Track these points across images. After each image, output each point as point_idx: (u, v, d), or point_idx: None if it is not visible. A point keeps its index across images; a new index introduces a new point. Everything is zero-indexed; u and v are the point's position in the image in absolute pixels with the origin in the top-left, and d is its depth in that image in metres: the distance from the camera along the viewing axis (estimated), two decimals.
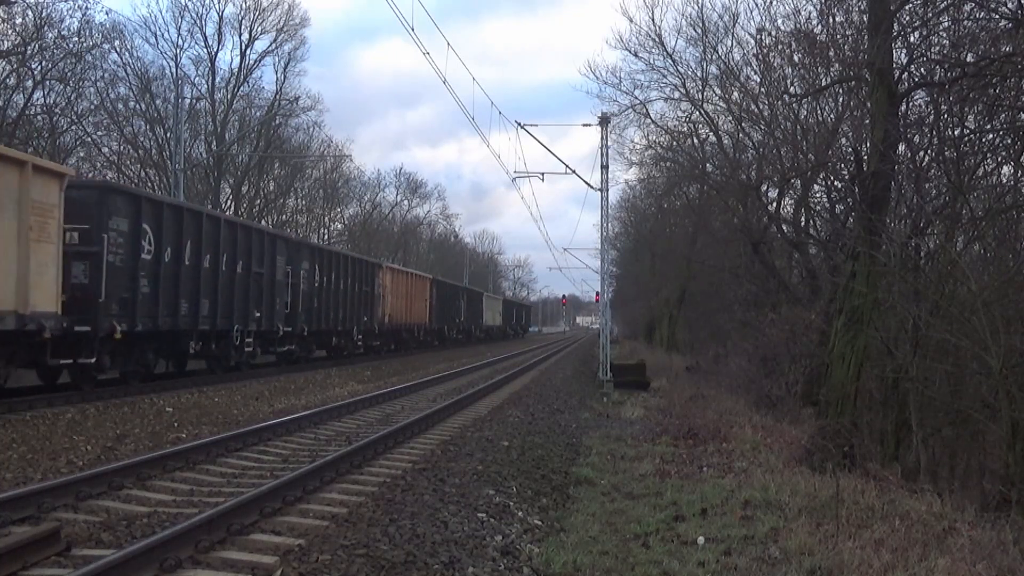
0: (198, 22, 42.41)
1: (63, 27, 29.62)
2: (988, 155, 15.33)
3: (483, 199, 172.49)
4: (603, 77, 45.01)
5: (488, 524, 7.14)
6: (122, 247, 14.52)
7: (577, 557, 6.68)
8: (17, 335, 11.88)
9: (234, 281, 18.86)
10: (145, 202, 15.49)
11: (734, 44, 25.28)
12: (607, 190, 26.42)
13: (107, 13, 65.88)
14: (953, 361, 15.04)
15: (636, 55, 27.16)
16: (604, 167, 26.11)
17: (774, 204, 26.21)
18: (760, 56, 20.87)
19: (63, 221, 12.76)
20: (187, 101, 37.28)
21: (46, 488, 7.00)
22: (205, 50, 42.85)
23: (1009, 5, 12.28)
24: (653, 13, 52.88)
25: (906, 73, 14.82)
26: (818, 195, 23.63)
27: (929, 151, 15.86)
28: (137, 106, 39.02)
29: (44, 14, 28.94)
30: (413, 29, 16.13)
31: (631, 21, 44.34)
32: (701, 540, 7.32)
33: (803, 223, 24.84)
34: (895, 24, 14.07)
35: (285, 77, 45.97)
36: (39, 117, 31.52)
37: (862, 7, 15.64)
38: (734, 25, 25.19)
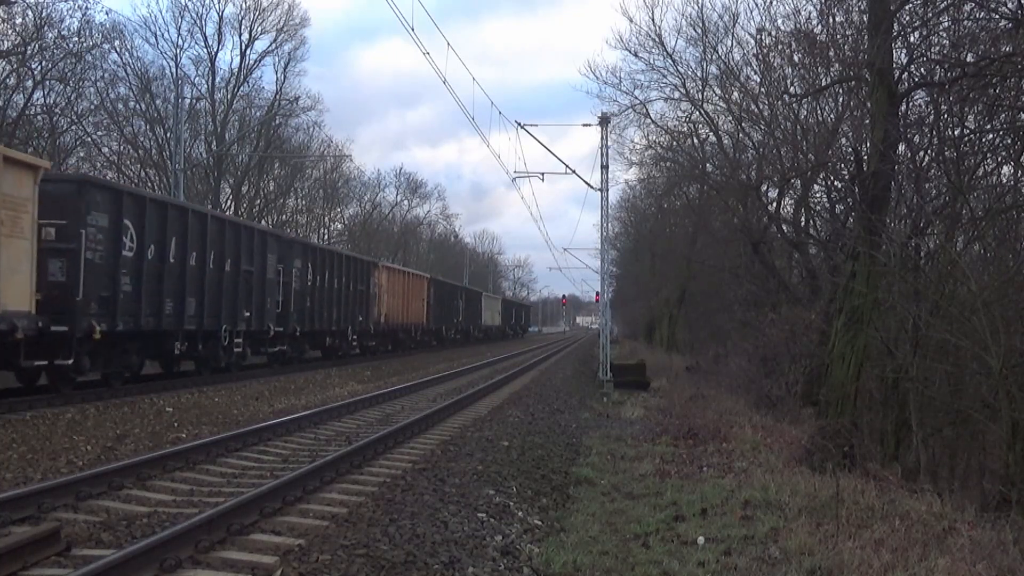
0: (198, 22, 42.49)
1: (63, 27, 29.66)
2: (988, 155, 15.34)
3: (483, 199, 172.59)
4: (603, 77, 45.06)
5: (488, 524, 7.14)
6: (102, 243, 13.94)
7: (577, 557, 6.68)
8: None
9: (222, 280, 18.31)
10: (126, 197, 14.96)
11: (734, 44, 25.33)
12: (607, 190, 26.43)
13: (107, 13, 65.94)
14: (953, 361, 15.04)
15: (636, 55, 27.20)
16: (604, 167, 26.13)
17: (774, 204, 26.24)
18: (760, 56, 20.88)
19: (38, 216, 12.23)
20: (187, 101, 37.33)
21: (46, 488, 7.00)
22: (205, 50, 42.93)
23: (1009, 5, 12.29)
24: (653, 13, 52.89)
25: (906, 73, 14.83)
26: (818, 195, 23.67)
27: (929, 151, 15.87)
28: (137, 106, 39.08)
29: (44, 14, 28.98)
30: (413, 29, 16.14)
31: (631, 21, 44.41)
32: (701, 540, 7.32)
33: (803, 223, 24.85)
34: (895, 24, 14.08)
35: (285, 77, 46.06)
36: (39, 117, 31.53)
37: (862, 7, 15.65)
38: (734, 25, 25.23)
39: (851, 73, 16.18)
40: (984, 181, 15.98)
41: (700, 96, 26.62)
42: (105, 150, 37.99)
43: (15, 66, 29.36)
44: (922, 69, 14.76)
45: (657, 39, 26.53)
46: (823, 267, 22.66)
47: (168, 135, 37.97)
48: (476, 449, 10.67)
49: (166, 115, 38.73)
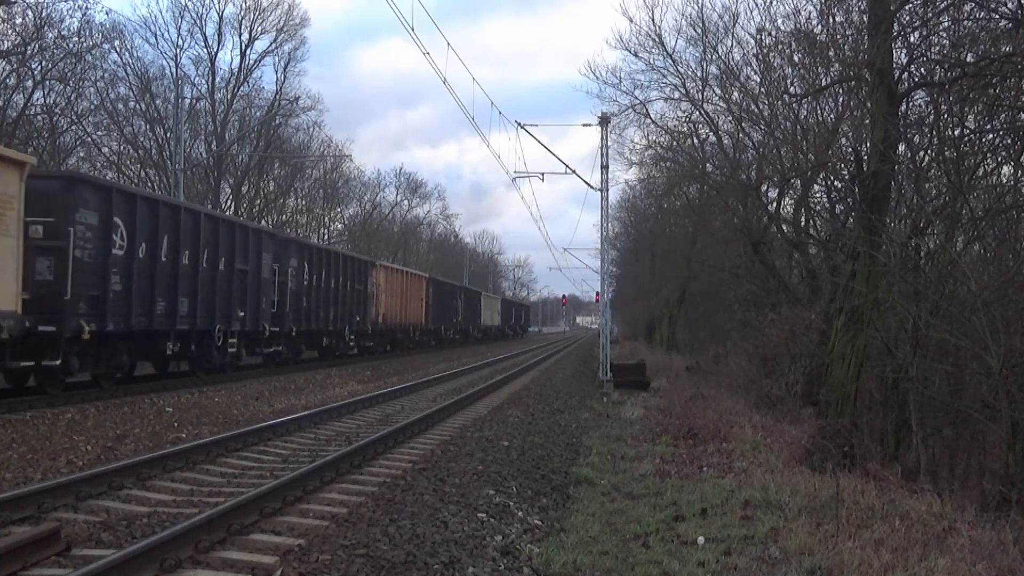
0: (198, 22, 42.50)
1: (63, 27, 29.70)
2: (988, 155, 15.34)
3: (483, 199, 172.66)
4: (603, 77, 45.16)
5: (488, 524, 7.14)
6: (91, 241, 13.64)
7: (577, 557, 6.68)
8: None
9: (216, 279, 18.00)
10: (116, 194, 14.65)
11: (734, 44, 25.33)
12: (607, 190, 26.43)
13: (107, 13, 66.03)
14: (953, 361, 15.04)
15: (636, 55, 27.19)
16: (604, 167, 26.14)
17: (774, 204, 26.24)
18: (760, 56, 20.88)
19: (25, 213, 11.99)
20: (187, 101, 37.32)
21: (46, 488, 7.00)
22: (205, 50, 42.94)
23: (1009, 5, 12.29)
24: (653, 13, 52.95)
25: (906, 73, 14.83)
26: (818, 195, 23.67)
27: (929, 151, 15.88)
28: (137, 106, 39.08)
29: (44, 14, 29.01)
30: (413, 29, 16.14)
31: (631, 21, 44.49)
32: (701, 540, 7.32)
33: (803, 223, 24.85)
34: (895, 24, 14.08)
35: (285, 77, 46.06)
36: (39, 117, 31.55)
37: (862, 7, 15.65)
38: (734, 25, 25.23)
39: (851, 73, 16.18)
40: (984, 181, 15.98)
41: (700, 96, 26.64)
42: (105, 150, 38.07)
43: (15, 66, 29.39)
44: (922, 69, 14.76)
45: (657, 39, 26.57)
46: (823, 267, 22.66)
47: (168, 135, 37.97)
48: (476, 449, 10.67)
49: (166, 115, 38.74)
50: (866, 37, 14.68)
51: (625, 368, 27.14)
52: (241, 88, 43.99)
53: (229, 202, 43.80)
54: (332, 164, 54.65)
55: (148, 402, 14.38)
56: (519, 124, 25.46)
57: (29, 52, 29.25)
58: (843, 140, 19.51)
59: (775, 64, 20.43)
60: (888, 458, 14.30)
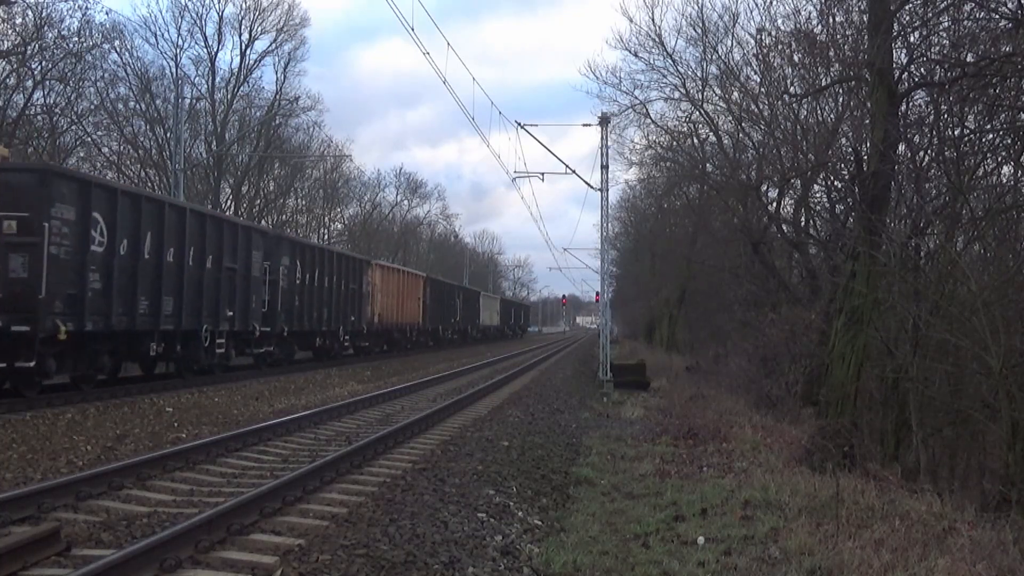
0: (198, 22, 42.48)
1: (63, 27, 29.68)
2: (988, 155, 15.34)
3: (483, 199, 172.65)
4: (603, 77, 45.20)
5: (488, 524, 7.14)
6: (68, 238, 13.07)
7: (577, 557, 6.68)
8: None
9: (202, 277, 17.39)
10: (96, 188, 13.99)
11: (734, 44, 25.33)
12: (607, 190, 26.44)
13: (107, 13, 66.00)
14: (953, 361, 15.04)
15: (636, 55, 27.20)
16: (604, 167, 26.14)
17: (774, 204, 26.24)
18: (760, 56, 20.88)
19: None
20: (187, 101, 37.31)
21: (46, 488, 7.00)
22: (205, 50, 42.91)
23: (1009, 5, 12.29)
24: (653, 13, 53.01)
25: (906, 73, 14.83)
26: (818, 195, 23.67)
27: (929, 151, 15.88)
28: (137, 106, 39.08)
29: (44, 14, 29.00)
30: (413, 29, 16.15)
31: (631, 21, 44.54)
32: (701, 540, 7.32)
33: (803, 223, 24.85)
34: (895, 24, 14.08)
35: (285, 77, 46.05)
36: (39, 117, 31.54)
37: (862, 7, 15.65)
38: (734, 25, 25.24)
39: (851, 73, 16.18)
40: (984, 181, 15.97)
41: (700, 96, 26.64)
42: (105, 150, 38.06)
43: (15, 66, 29.39)
44: (922, 69, 14.76)
45: (657, 39, 26.57)
46: (823, 267, 22.66)
47: (168, 135, 37.97)
48: (476, 449, 10.67)
49: (166, 115, 38.74)
50: (866, 37, 14.68)
51: (625, 368, 27.15)
52: (241, 88, 44.03)
53: (229, 202, 43.81)
54: (332, 164, 54.70)
55: (148, 402, 14.38)
56: (519, 124, 25.49)
57: (29, 52, 29.28)
58: (843, 140, 19.52)
59: (775, 64, 20.45)
60: (888, 458, 14.30)
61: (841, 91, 18.85)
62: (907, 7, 14.29)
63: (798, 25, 18.81)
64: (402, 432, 11.49)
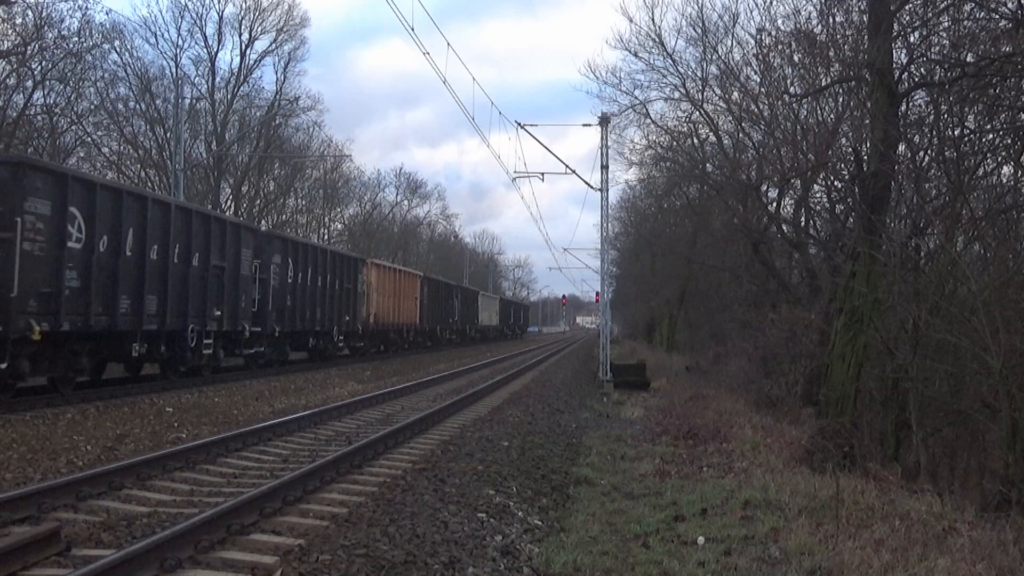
0: (198, 22, 42.50)
1: (63, 27, 29.65)
2: (988, 155, 15.33)
3: (483, 199, 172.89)
4: (603, 77, 45.23)
5: (488, 524, 7.15)
6: (42, 233, 12.51)
7: (577, 557, 6.68)
8: None
9: (188, 275, 16.85)
10: (73, 182, 13.33)
11: (734, 44, 25.30)
12: (607, 190, 26.45)
13: (107, 13, 66.08)
14: (953, 361, 15.03)
15: (636, 55, 27.15)
16: (604, 167, 26.16)
17: (774, 204, 26.23)
18: (760, 56, 20.86)
19: None
20: (187, 101, 37.33)
21: (46, 488, 7.00)
22: (205, 50, 42.93)
23: (1009, 5, 12.29)
24: (653, 13, 53.04)
25: (906, 73, 14.82)
26: (818, 195, 23.65)
27: (929, 151, 15.88)
28: (137, 106, 39.08)
29: (44, 14, 28.97)
30: (413, 29, 16.15)
31: (631, 21, 44.51)
32: (701, 540, 7.32)
33: (803, 223, 24.84)
34: (895, 24, 14.07)
35: (285, 77, 46.07)
36: (39, 117, 31.53)
37: (862, 7, 15.64)
38: (734, 25, 25.21)
39: (851, 73, 16.18)
40: (984, 181, 15.96)
41: (700, 96, 26.62)
42: (105, 150, 38.05)
43: (15, 66, 29.36)
44: (922, 69, 14.75)
45: (657, 39, 26.54)
46: (823, 267, 22.65)
47: (168, 135, 37.98)
48: (476, 449, 10.68)
49: (166, 115, 38.75)
50: (866, 37, 14.67)
51: (625, 368, 27.16)
52: (241, 88, 44.03)
53: (229, 202, 43.82)
54: (332, 164, 54.71)
55: (148, 402, 14.39)
56: (519, 124, 25.52)
57: (29, 52, 29.25)
58: (843, 140, 19.50)
59: (775, 64, 20.42)
60: (888, 458, 14.29)
61: (841, 91, 18.84)
62: (907, 7, 14.29)
63: (798, 25, 18.81)
64: (402, 432, 11.49)
